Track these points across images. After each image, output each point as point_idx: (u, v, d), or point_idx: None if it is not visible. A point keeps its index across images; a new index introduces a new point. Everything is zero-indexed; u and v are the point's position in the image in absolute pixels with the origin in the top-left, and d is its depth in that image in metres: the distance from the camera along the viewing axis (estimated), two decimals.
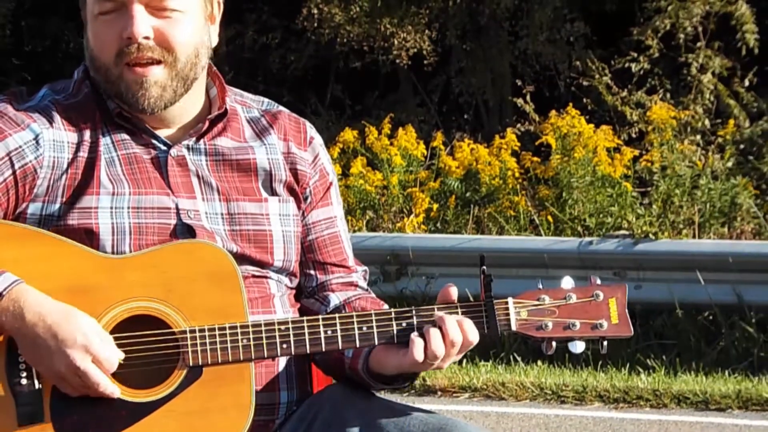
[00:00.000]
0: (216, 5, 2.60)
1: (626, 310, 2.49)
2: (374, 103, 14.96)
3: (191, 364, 2.36)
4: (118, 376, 2.34)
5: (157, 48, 2.48)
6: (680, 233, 8.99)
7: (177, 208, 2.49)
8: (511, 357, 8.20)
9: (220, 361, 2.37)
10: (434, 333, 2.40)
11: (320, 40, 14.01)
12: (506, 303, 2.46)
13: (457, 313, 2.44)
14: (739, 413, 6.93)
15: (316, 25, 13.80)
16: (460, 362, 8.01)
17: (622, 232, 8.90)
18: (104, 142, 2.50)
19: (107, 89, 2.51)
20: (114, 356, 2.33)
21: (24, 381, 2.33)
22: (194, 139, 2.56)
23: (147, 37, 2.47)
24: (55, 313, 2.31)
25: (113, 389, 2.33)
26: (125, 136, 2.53)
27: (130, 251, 2.43)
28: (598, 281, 2.51)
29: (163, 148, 2.54)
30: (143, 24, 2.46)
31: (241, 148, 2.59)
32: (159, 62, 2.48)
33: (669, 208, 9.30)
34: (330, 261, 2.66)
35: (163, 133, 2.55)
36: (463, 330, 2.41)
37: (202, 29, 2.55)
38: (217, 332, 2.37)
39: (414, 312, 2.44)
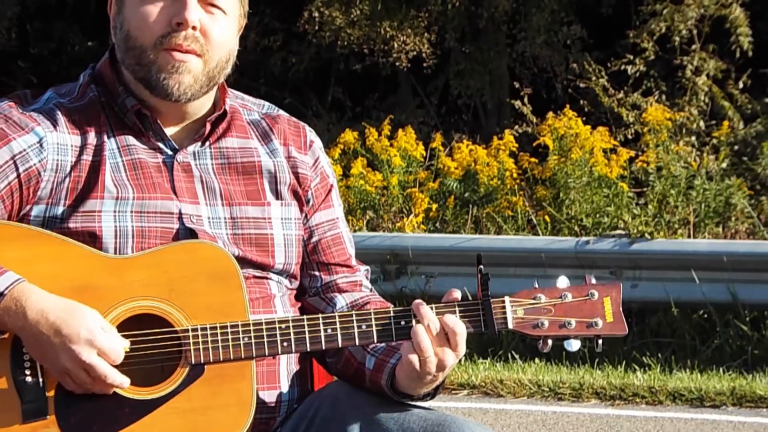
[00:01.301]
0: (243, 22, 2.62)
1: (621, 309, 2.48)
2: (374, 105, 14.97)
3: (193, 362, 2.36)
4: (123, 373, 2.34)
5: (200, 40, 2.48)
6: (675, 233, 8.99)
7: (180, 213, 2.49)
8: (509, 355, 8.20)
9: (221, 359, 2.37)
10: (418, 330, 2.39)
11: (321, 42, 14.02)
12: (503, 302, 2.46)
13: (454, 312, 2.44)
14: (733, 410, 6.93)
15: (317, 28, 13.80)
16: (458, 360, 7.99)
17: (618, 231, 8.90)
18: (109, 146, 2.50)
19: (135, 71, 2.49)
20: (119, 346, 2.33)
21: (29, 378, 2.33)
22: (199, 143, 2.56)
23: (194, 27, 2.47)
24: (58, 310, 2.31)
25: (122, 380, 2.33)
26: (131, 141, 2.52)
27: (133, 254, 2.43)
28: (593, 280, 2.51)
29: (170, 152, 2.54)
30: (195, 13, 2.47)
31: (247, 150, 2.60)
32: (198, 55, 2.48)
33: (664, 208, 9.31)
34: (334, 261, 2.66)
35: (170, 131, 2.54)
36: (442, 320, 2.40)
37: (235, 37, 2.57)
38: (218, 330, 2.37)
39: (412, 310, 2.43)
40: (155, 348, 2.36)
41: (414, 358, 2.38)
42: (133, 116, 2.52)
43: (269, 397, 2.51)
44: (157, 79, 2.47)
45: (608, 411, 6.95)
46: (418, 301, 2.44)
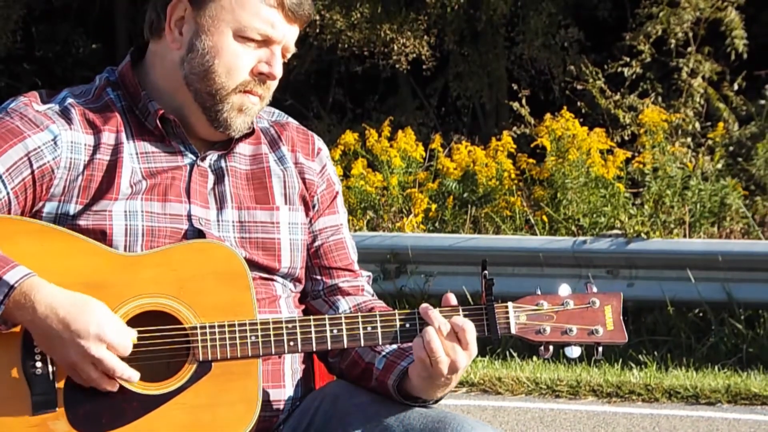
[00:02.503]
0: None
1: (621, 318, 2.50)
2: (374, 107, 14.98)
3: (201, 359, 2.38)
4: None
5: (269, 89, 2.54)
6: (671, 233, 9.00)
7: (189, 214, 2.50)
8: (508, 353, 8.22)
9: (229, 356, 2.38)
10: (428, 330, 2.41)
11: (322, 45, 14.02)
12: (506, 307, 2.47)
13: (458, 314, 2.44)
14: (728, 407, 6.94)
15: (318, 31, 13.80)
16: None
17: (615, 231, 8.91)
18: (127, 149, 2.50)
19: (203, 99, 2.50)
20: (127, 340, 2.34)
21: (39, 370, 2.35)
22: (218, 154, 2.57)
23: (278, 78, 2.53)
24: (67, 304, 2.32)
25: (131, 373, 2.34)
26: (151, 145, 2.52)
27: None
28: (594, 289, 2.51)
29: (191, 157, 2.54)
30: (280, 68, 2.51)
31: (257, 156, 2.61)
32: (262, 98, 2.53)
33: (660, 208, 9.32)
34: (336, 266, 2.67)
35: (193, 138, 2.56)
36: (451, 320, 2.42)
37: None
38: (226, 329, 2.38)
39: (417, 313, 2.45)
40: (164, 344, 2.38)
41: (425, 357, 2.39)
42: (155, 120, 2.53)
43: (273, 395, 2.53)
44: (227, 116, 2.50)
45: (605, 408, 6.96)
46: (425, 305, 2.45)
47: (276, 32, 2.50)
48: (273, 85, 2.55)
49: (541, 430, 6.50)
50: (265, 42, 2.50)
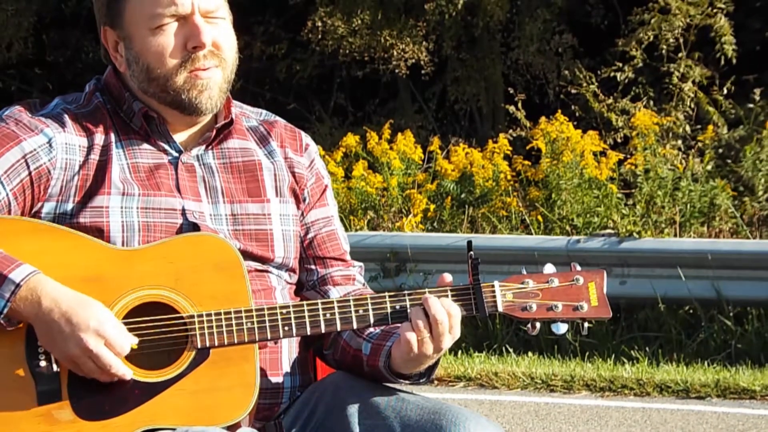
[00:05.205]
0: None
1: (605, 293, 2.50)
2: (375, 110, 14.98)
3: (199, 346, 2.38)
4: (132, 358, 2.36)
5: (216, 53, 2.51)
6: (662, 232, 9.00)
7: (183, 209, 2.51)
8: (504, 348, 8.22)
9: (226, 343, 2.39)
10: (416, 311, 2.42)
11: (324, 51, 14.03)
12: (493, 286, 2.48)
13: (446, 295, 2.45)
14: (717, 401, 6.94)
15: (320, 37, 13.81)
16: (455, 353, 8.02)
17: (607, 231, 8.91)
18: (116, 148, 2.52)
19: (162, 98, 2.51)
20: (126, 341, 2.35)
21: (43, 363, 2.35)
22: (203, 147, 2.58)
23: (209, 45, 2.50)
24: (70, 300, 2.33)
25: (125, 371, 2.35)
26: (137, 144, 2.54)
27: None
28: (578, 267, 2.52)
29: (175, 154, 2.56)
30: (207, 33, 2.50)
31: (247, 150, 2.62)
32: (217, 66, 2.52)
33: (652, 208, 9.32)
34: (329, 255, 2.68)
35: (177, 136, 2.57)
36: (443, 304, 2.42)
37: (234, 35, 2.59)
38: (223, 316, 2.39)
39: (407, 295, 2.46)
40: (163, 333, 2.38)
41: (412, 337, 2.40)
42: (140, 119, 2.54)
43: (273, 383, 2.53)
44: (189, 99, 2.50)
45: (598, 402, 6.96)
46: (427, 294, 2.45)
47: (180, 6, 2.49)
48: (225, 52, 2.53)
49: (536, 423, 6.49)
50: (182, 18, 2.49)
